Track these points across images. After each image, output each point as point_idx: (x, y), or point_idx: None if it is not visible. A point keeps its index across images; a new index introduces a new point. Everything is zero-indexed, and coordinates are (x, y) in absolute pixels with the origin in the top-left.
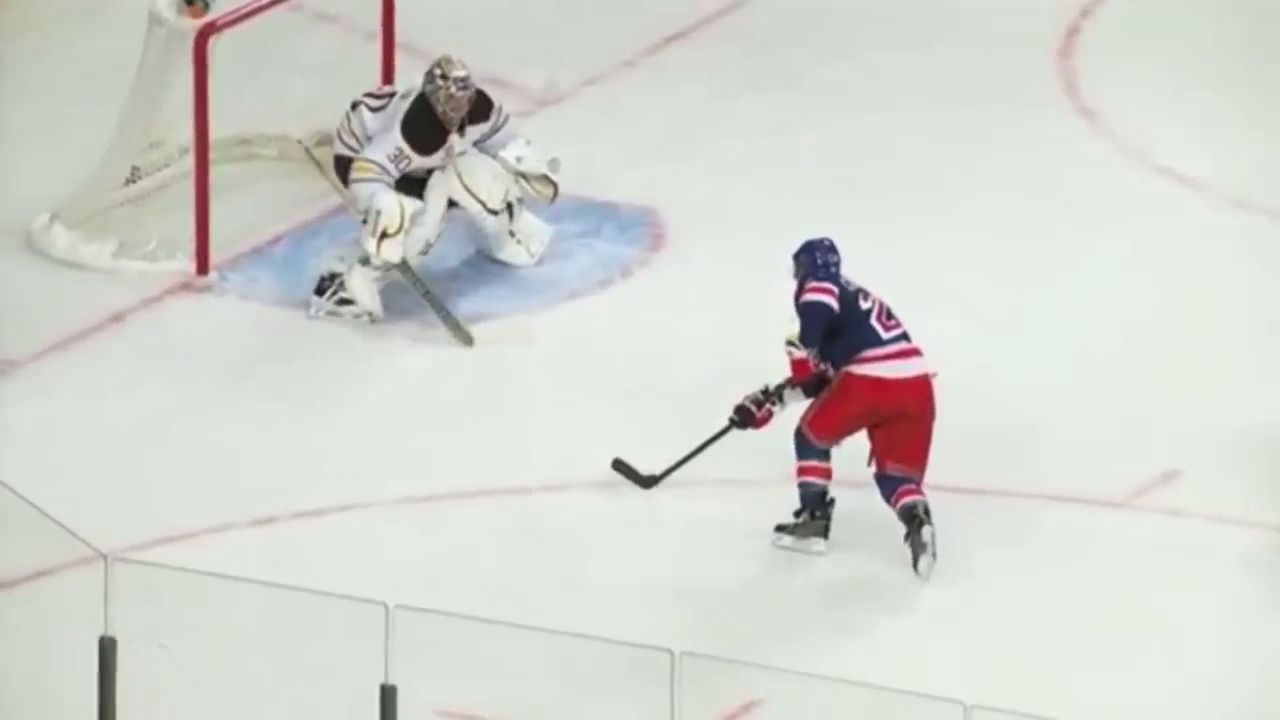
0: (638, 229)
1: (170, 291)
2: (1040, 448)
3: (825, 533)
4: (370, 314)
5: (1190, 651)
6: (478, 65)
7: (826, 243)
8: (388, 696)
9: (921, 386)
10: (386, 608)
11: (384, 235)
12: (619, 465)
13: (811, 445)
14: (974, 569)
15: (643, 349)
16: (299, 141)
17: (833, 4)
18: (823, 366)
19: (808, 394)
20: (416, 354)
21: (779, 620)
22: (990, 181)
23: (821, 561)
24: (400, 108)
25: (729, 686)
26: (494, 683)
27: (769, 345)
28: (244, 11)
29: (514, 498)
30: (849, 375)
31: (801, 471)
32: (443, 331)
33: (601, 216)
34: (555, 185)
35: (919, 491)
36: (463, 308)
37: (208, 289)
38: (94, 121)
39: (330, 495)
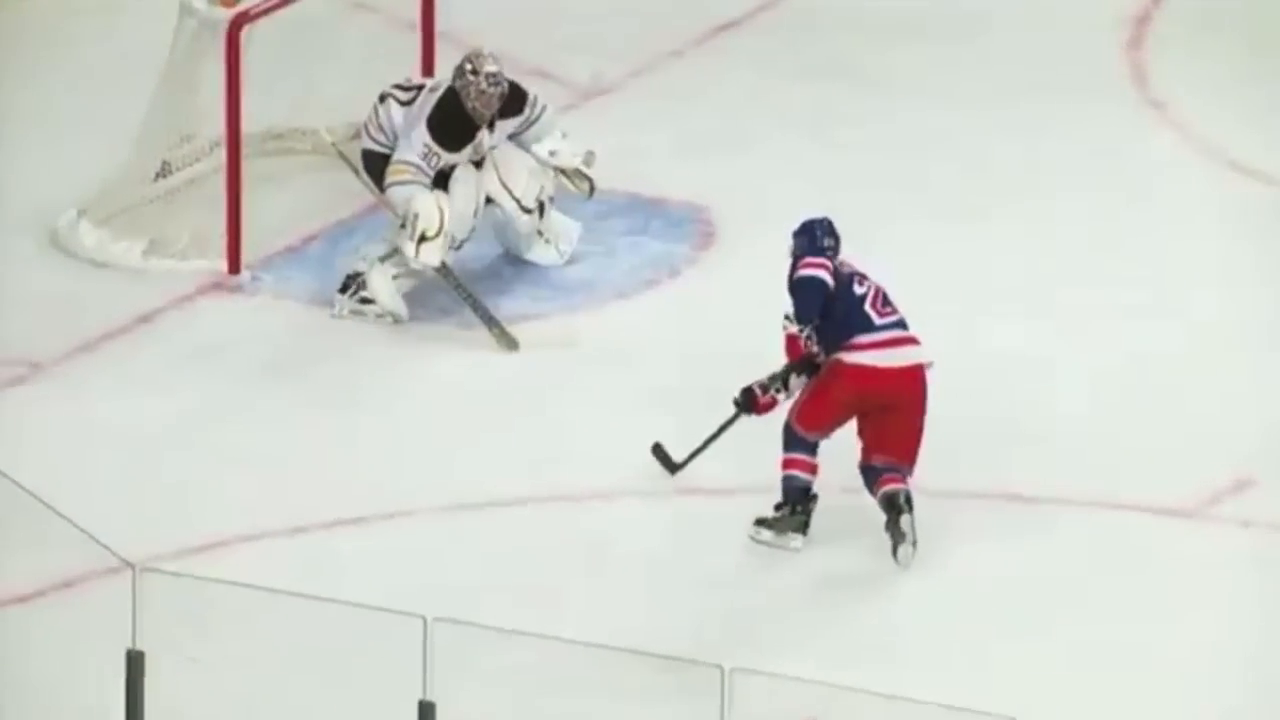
0: (687, 226)
1: (201, 291)
2: (1106, 452)
3: (804, 529)
4: (392, 314)
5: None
6: (521, 56)
7: (825, 223)
8: (426, 713)
9: (913, 376)
10: (425, 620)
11: (423, 238)
12: (657, 450)
13: (799, 438)
14: (1033, 581)
15: (692, 351)
16: (332, 142)
17: None
18: (815, 349)
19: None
20: (457, 356)
21: (820, 632)
22: (1054, 176)
23: (865, 571)
24: (429, 101)
25: (778, 702)
26: (537, 698)
27: None
28: (278, 1)
29: (558, 505)
30: (838, 363)
31: (786, 464)
32: (484, 333)
33: (649, 213)
34: (591, 180)
35: (901, 480)
36: (505, 308)
37: (240, 289)
38: (122, 115)
39: (367, 503)
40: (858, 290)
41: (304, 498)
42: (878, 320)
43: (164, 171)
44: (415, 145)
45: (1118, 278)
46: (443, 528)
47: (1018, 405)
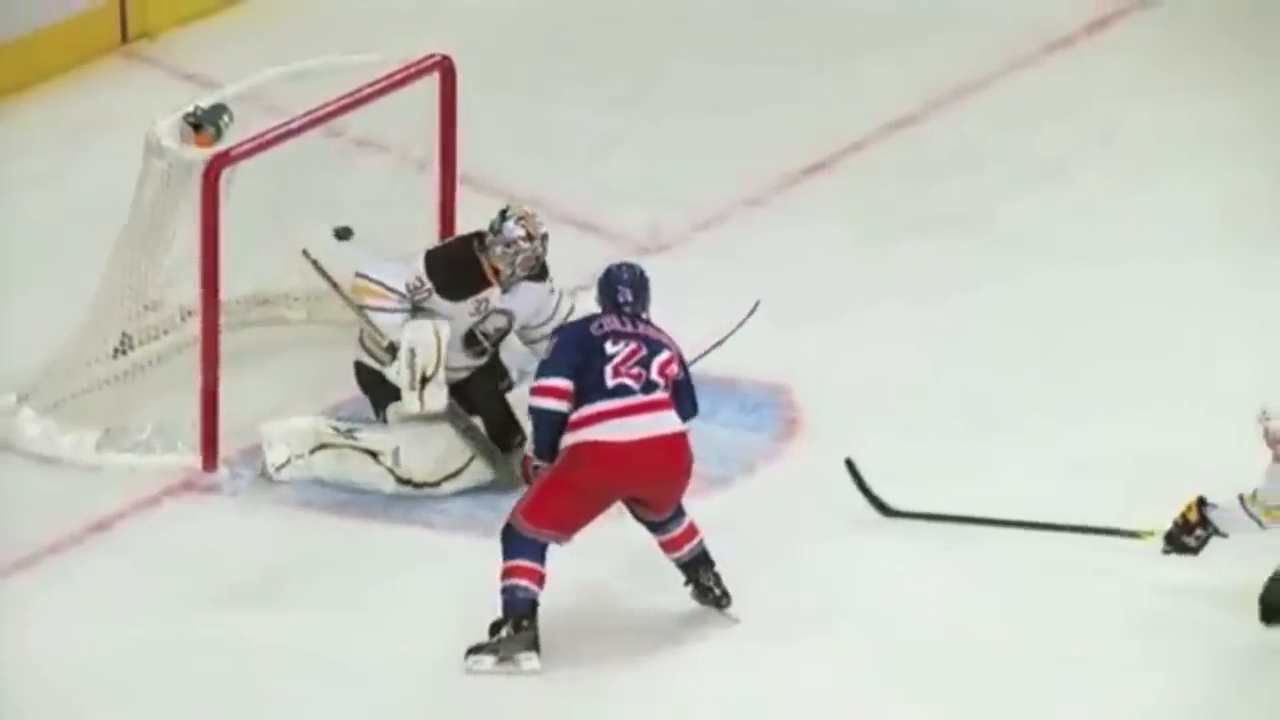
0: (764, 411)
1: (169, 492)
2: None
3: (535, 645)
4: (268, 476)
5: None
6: (564, 204)
7: (626, 275)
8: None
9: (663, 447)
10: None
11: (424, 380)
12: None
13: (524, 539)
14: None
15: (773, 570)
16: (304, 251)
17: (1013, 126)
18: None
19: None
20: (478, 551)
21: None
22: (1221, 351)
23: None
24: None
25: None
26: None
27: (928, 561)
28: (265, 138)
29: None
30: (570, 446)
31: (508, 573)
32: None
33: (718, 396)
34: None
35: (688, 536)
36: None
37: (215, 489)
38: (74, 276)
39: None
40: (608, 349)
41: None
42: (609, 382)
43: (124, 346)
44: (402, 273)
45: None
46: None
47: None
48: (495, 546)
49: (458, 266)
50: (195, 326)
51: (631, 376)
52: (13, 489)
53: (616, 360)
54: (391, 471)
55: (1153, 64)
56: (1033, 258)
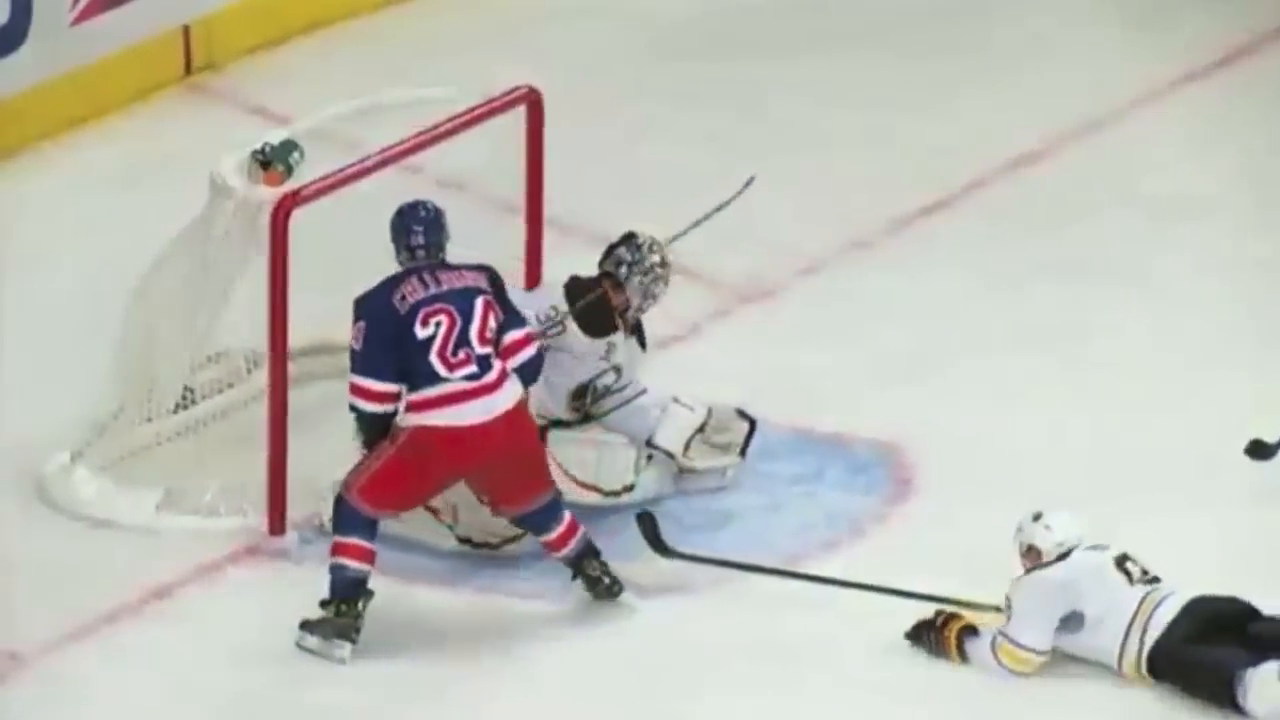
0: (874, 472)
1: (233, 558)
2: None
3: (352, 634)
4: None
5: None
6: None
7: (421, 213)
8: None
9: (505, 425)
10: None
11: None
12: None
13: (359, 517)
14: None
15: (882, 637)
16: None
17: (1143, 165)
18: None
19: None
20: (563, 632)
21: None
22: None
23: None
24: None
25: None
26: None
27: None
28: (338, 177)
29: None
30: (409, 427)
31: (338, 550)
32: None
33: (825, 455)
34: (751, 420)
35: (567, 536)
36: (637, 573)
37: (284, 555)
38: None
39: None
40: (420, 334)
41: None
42: (444, 372)
43: (185, 401)
44: (537, 303)
45: None
46: None
47: None
48: (578, 618)
49: (597, 303)
50: (262, 378)
51: (460, 362)
52: (66, 554)
53: (437, 346)
54: (451, 529)
55: None
56: (1165, 306)
